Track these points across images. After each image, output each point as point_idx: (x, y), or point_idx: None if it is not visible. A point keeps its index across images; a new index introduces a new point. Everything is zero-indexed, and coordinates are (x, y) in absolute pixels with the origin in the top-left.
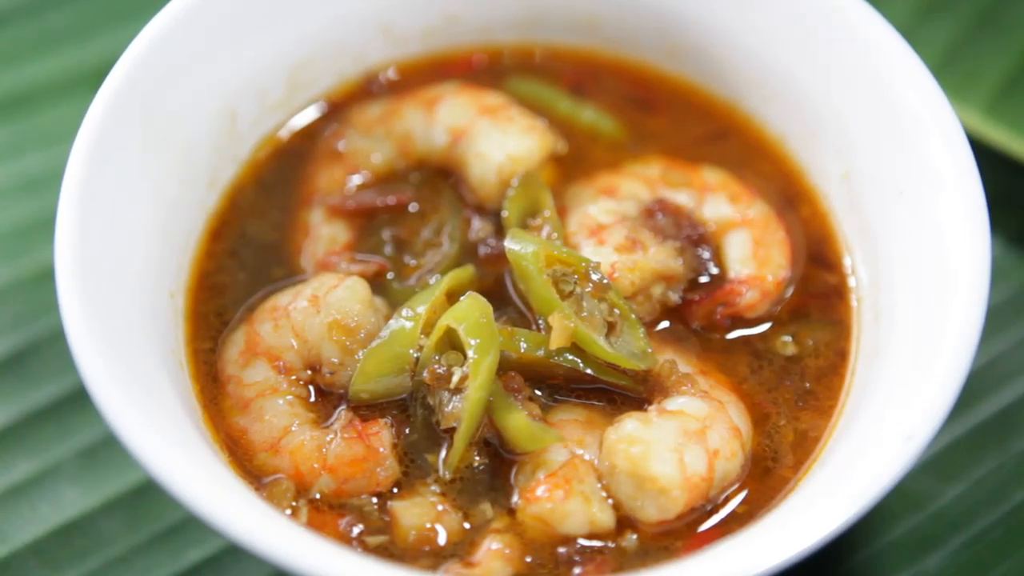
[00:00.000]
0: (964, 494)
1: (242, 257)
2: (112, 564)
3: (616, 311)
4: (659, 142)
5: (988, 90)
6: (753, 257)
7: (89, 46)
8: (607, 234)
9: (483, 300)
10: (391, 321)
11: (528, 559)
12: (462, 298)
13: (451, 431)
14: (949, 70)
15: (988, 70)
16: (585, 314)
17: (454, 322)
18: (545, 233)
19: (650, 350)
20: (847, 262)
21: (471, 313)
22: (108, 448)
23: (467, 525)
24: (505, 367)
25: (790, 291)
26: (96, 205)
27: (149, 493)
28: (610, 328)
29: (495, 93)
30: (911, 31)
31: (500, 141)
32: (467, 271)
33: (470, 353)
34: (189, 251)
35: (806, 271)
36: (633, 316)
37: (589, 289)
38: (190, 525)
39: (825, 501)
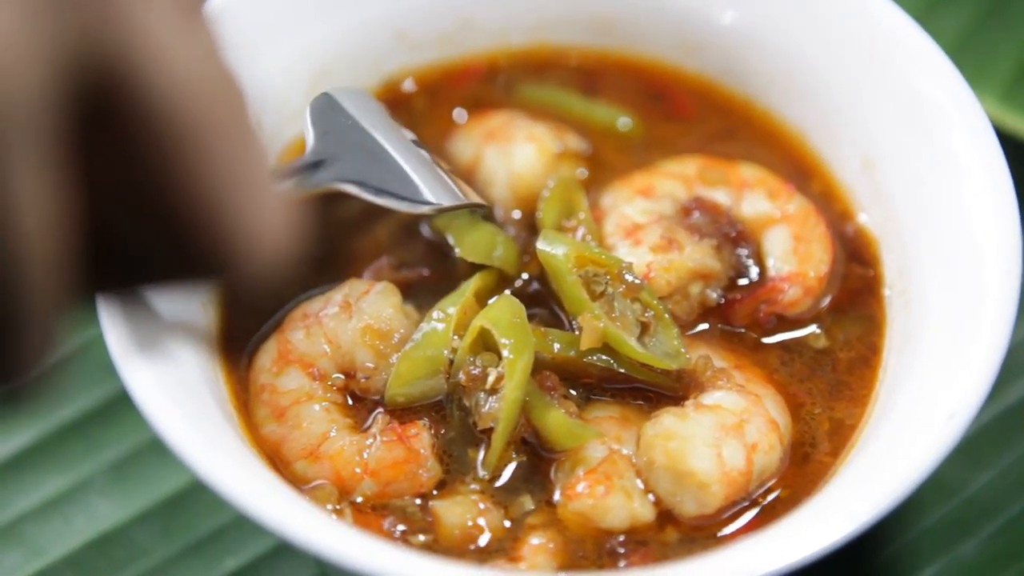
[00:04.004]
0: (995, 480)
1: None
2: (148, 574)
3: (649, 312)
4: (679, 140)
5: (1003, 78)
6: (794, 253)
7: None
8: (643, 234)
9: (516, 301)
10: (422, 324)
11: (572, 552)
12: (495, 299)
13: (488, 431)
14: (963, 58)
15: (1002, 58)
16: (617, 314)
17: (488, 323)
18: (580, 235)
19: (683, 350)
20: (874, 251)
21: (504, 314)
22: (138, 460)
23: (508, 522)
24: (539, 367)
25: (833, 287)
26: None
27: (183, 504)
28: (644, 328)
29: (499, 113)
30: (923, 19)
31: (504, 162)
32: (493, 272)
33: (505, 353)
34: None
35: (848, 270)
36: (667, 316)
37: (622, 290)
38: (225, 534)
39: (870, 483)
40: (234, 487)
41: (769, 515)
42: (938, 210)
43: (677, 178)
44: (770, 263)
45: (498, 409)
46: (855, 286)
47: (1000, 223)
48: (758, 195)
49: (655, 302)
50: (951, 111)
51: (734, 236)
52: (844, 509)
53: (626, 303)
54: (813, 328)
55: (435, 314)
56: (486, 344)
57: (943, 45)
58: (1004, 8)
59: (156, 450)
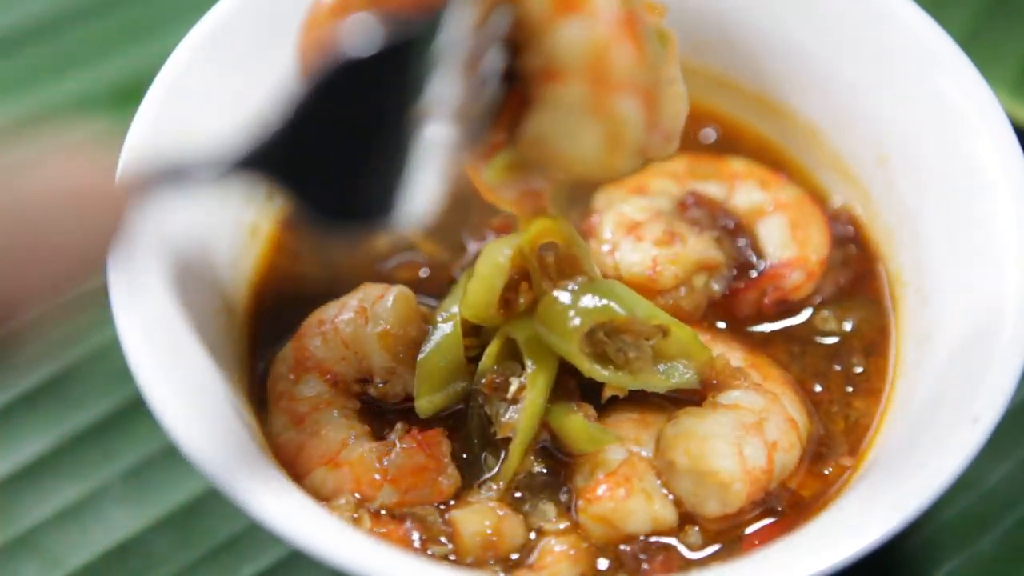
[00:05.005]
0: (1015, 472)
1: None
2: None
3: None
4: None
5: (1012, 69)
6: (792, 239)
7: (108, 66)
8: (644, 230)
9: None
10: (433, 329)
11: (593, 558)
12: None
13: (507, 440)
14: (973, 50)
15: (1012, 49)
16: (634, 363)
17: (514, 333)
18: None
19: (694, 374)
20: (888, 247)
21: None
22: (154, 468)
23: (529, 529)
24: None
25: (834, 273)
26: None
27: (200, 510)
28: (664, 333)
29: None
30: (933, 11)
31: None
32: None
33: (528, 365)
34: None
35: (845, 255)
36: (688, 329)
37: (636, 346)
38: (242, 541)
39: (894, 489)
40: (250, 497)
41: (792, 517)
42: (955, 205)
43: (668, 175)
44: (770, 250)
45: (517, 420)
46: (863, 277)
47: (1020, 219)
48: (750, 186)
49: (675, 323)
50: (967, 106)
51: (732, 228)
52: (870, 515)
53: (643, 345)
54: (823, 320)
55: (440, 316)
56: (512, 352)
57: (953, 37)
58: (1010, 3)
59: (172, 457)
